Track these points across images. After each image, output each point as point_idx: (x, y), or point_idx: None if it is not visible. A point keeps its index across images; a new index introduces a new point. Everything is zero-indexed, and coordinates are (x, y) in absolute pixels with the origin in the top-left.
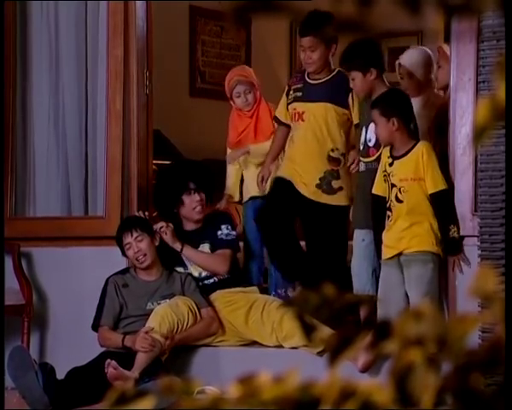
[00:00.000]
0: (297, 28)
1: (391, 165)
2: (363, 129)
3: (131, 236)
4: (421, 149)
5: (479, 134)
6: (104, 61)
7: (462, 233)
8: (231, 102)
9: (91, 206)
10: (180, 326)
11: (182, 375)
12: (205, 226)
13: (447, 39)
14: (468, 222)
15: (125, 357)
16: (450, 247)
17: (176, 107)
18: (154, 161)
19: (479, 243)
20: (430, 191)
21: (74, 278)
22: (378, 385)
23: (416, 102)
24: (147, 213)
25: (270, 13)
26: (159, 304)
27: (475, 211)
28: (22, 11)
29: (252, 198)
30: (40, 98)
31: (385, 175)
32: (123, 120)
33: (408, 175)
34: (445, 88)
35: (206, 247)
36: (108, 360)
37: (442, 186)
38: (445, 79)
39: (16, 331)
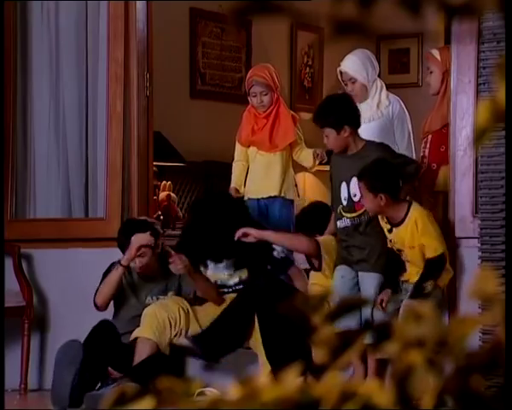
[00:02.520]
0: (297, 30)
1: (390, 231)
2: (344, 184)
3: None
4: (415, 217)
5: (479, 136)
6: (104, 63)
7: (462, 235)
8: (248, 99)
9: (91, 207)
10: (173, 323)
11: (182, 376)
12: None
13: (447, 41)
14: (468, 224)
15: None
16: (415, 290)
17: (176, 109)
18: (155, 163)
19: (479, 245)
20: (429, 256)
21: (74, 280)
22: (378, 387)
23: (365, 106)
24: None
25: (271, 14)
26: (157, 298)
27: (476, 213)
28: (22, 13)
29: (250, 199)
30: (40, 100)
31: (389, 240)
32: (123, 122)
33: (406, 243)
34: (438, 93)
35: (230, 262)
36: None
37: (441, 250)
38: (437, 84)
39: (17, 333)
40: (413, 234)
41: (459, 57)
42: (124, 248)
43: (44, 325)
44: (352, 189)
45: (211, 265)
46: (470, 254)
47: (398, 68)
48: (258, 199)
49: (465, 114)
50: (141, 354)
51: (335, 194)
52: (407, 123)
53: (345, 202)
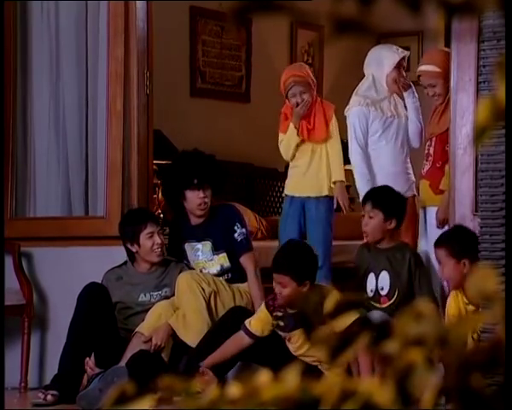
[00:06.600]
0: (297, 28)
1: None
2: (372, 276)
3: (156, 226)
4: None
5: (479, 134)
6: (104, 61)
7: None
8: (286, 101)
9: (92, 206)
10: None
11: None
12: (209, 221)
13: (448, 39)
14: (468, 222)
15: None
16: None
17: (176, 107)
18: (155, 161)
19: (479, 243)
20: None
21: (75, 278)
22: (378, 385)
23: None
24: None
25: (271, 13)
26: (151, 295)
27: (476, 211)
28: (22, 12)
29: (287, 195)
30: (40, 99)
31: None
32: (123, 120)
33: None
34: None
35: (208, 245)
36: (87, 359)
37: None
38: (445, 93)
39: (17, 331)
40: None
41: (459, 55)
42: (129, 237)
43: (44, 323)
44: (381, 281)
45: (189, 252)
46: None
47: None
48: (293, 196)
49: (465, 113)
50: (133, 348)
51: (364, 286)
52: None
53: (371, 294)
